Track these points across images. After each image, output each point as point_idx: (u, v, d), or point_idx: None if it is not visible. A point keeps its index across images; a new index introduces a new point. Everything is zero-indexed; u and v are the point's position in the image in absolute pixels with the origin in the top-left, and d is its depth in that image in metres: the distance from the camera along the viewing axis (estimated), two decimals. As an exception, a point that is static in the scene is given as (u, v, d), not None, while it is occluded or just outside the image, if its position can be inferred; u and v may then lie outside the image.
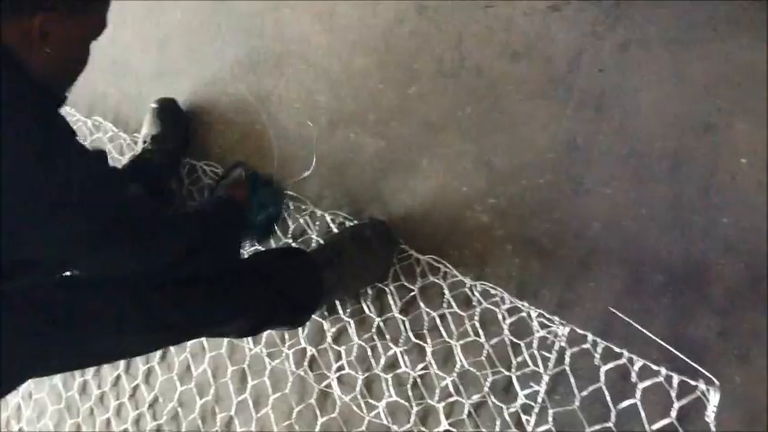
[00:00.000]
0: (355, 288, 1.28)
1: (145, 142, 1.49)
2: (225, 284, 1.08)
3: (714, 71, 1.02)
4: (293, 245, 1.39)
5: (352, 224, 1.31)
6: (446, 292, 1.21)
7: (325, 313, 1.32)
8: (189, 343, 1.48)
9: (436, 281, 1.23)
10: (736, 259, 0.99)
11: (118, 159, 1.70)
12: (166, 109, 1.51)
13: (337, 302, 1.30)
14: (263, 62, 1.52)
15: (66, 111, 1.78)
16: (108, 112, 1.79)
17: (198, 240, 1.15)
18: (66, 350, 0.88)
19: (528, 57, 1.18)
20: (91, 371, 1.66)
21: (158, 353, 1.55)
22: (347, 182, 1.36)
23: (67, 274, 1.06)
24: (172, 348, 1.52)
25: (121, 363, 1.61)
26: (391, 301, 1.26)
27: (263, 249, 1.40)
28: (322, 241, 1.34)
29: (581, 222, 1.11)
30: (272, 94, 1.49)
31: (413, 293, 1.24)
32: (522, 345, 1.13)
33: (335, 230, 1.34)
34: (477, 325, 1.17)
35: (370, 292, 1.28)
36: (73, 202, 0.87)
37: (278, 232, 1.41)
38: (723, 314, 0.99)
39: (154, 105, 1.49)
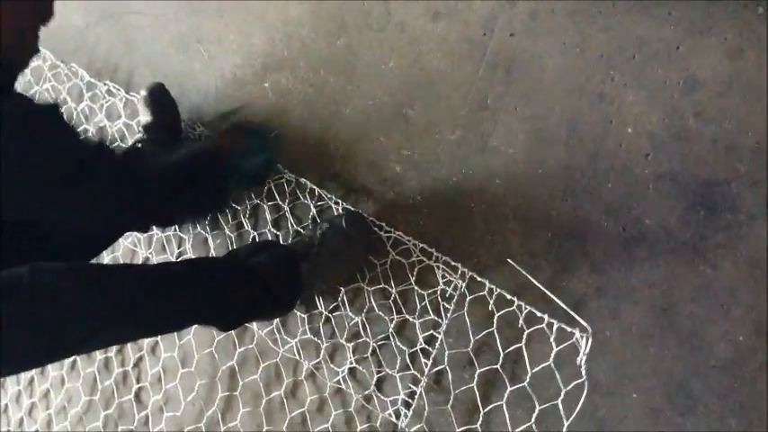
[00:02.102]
0: (333, 280, 1.28)
1: (139, 132, 1.47)
2: (210, 279, 1.09)
3: (612, 44, 1.07)
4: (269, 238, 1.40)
5: (326, 217, 1.32)
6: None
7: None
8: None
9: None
10: (615, 222, 1.06)
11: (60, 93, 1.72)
12: (155, 95, 1.45)
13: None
14: (205, 7, 1.54)
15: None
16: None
17: (170, 192, 1.18)
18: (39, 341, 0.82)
19: (448, 17, 1.22)
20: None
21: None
22: (274, 125, 1.41)
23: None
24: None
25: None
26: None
27: (244, 245, 1.35)
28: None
29: (484, 178, 1.18)
30: (211, 35, 1.52)
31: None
32: (426, 290, 1.21)
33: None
34: (389, 270, 1.25)
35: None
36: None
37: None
38: (600, 272, 1.07)
39: (143, 93, 1.43)
